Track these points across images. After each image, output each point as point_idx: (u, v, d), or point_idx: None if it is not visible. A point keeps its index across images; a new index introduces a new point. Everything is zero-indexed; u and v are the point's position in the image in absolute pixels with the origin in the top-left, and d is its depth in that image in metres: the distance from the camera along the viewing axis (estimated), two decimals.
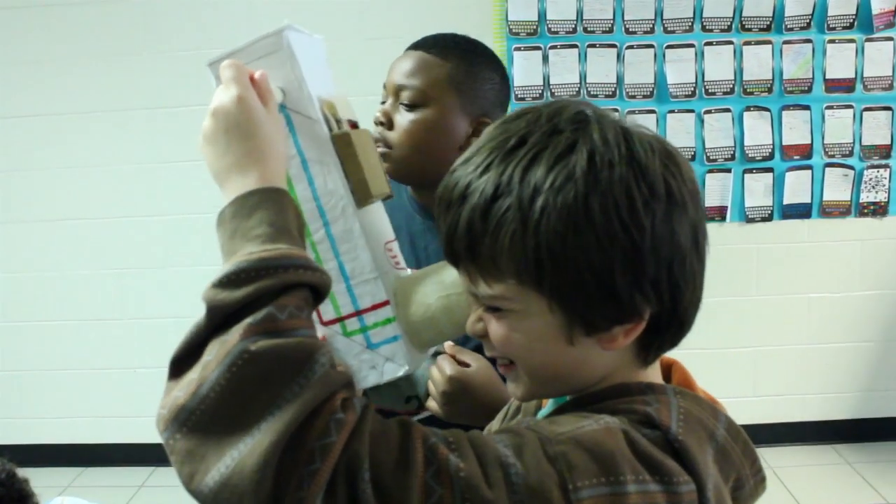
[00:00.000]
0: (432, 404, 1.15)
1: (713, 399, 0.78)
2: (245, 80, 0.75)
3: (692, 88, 3.14)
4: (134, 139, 3.23)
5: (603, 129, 0.68)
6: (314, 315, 0.88)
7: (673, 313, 0.69)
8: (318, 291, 0.68)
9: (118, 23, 3.17)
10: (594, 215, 0.64)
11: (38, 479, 1.32)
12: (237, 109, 0.73)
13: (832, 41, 3.12)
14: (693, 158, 3.18)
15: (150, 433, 0.92)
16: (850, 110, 3.16)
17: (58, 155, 3.27)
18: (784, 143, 3.18)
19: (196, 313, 0.64)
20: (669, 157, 0.69)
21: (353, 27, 3.12)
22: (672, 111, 3.16)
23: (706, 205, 3.20)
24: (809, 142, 3.18)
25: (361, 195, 0.85)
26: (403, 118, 1.28)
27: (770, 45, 3.12)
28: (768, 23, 3.10)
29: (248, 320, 0.61)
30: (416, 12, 3.12)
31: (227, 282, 0.62)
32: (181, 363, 0.63)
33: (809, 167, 3.20)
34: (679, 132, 3.17)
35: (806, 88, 3.15)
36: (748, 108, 3.16)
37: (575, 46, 3.11)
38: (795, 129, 3.17)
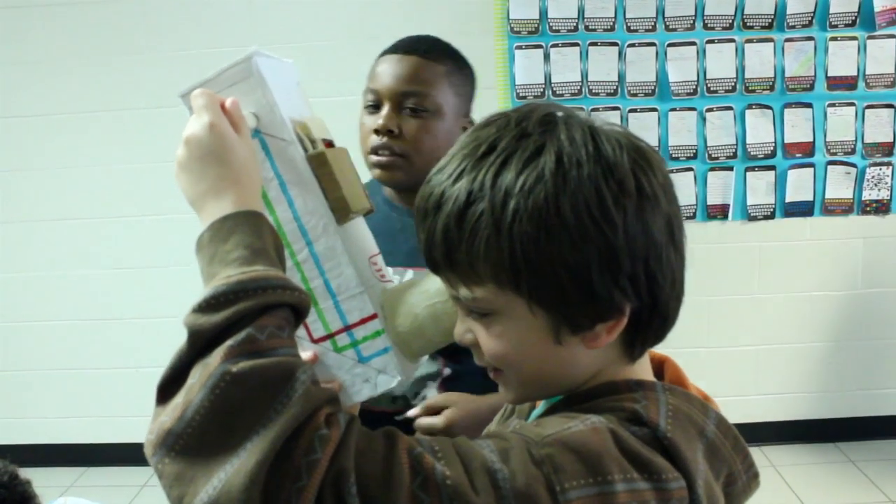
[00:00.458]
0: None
1: (705, 395, 0.78)
2: (216, 108, 0.76)
3: (694, 86, 3.14)
4: (134, 139, 3.23)
5: (570, 129, 0.68)
6: (304, 333, 0.89)
7: (654, 308, 0.69)
8: (298, 310, 0.69)
9: (118, 23, 3.17)
10: (565, 215, 0.64)
11: (40, 478, 1.33)
12: (209, 137, 0.74)
13: (834, 39, 3.11)
14: (695, 157, 3.18)
15: None
16: (853, 108, 3.16)
17: (58, 155, 3.27)
18: (786, 141, 3.17)
19: None
20: (639, 152, 0.69)
21: (355, 26, 3.12)
22: (674, 109, 3.15)
23: (708, 203, 3.20)
24: (811, 139, 3.17)
25: (341, 212, 0.87)
26: (413, 125, 1.26)
27: (772, 43, 3.11)
28: (770, 20, 3.10)
29: (228, 342, 0.62)
30: (418, 11, 3.12)
31: (206, 306, 0.64)
32: (167, 388, 0.64)
33: (811, 165, 3.19)
34: (681, 130, 3.16)
35: (808, 86, 3.14)
36: (750, 106, 3.15)
37: (576, 45, 3.11)
38: (797, 126, 3.17)
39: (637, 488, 0.63)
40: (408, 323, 0.89)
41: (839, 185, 3.21)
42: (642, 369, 0.76)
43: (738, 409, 3.19)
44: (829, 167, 3.19)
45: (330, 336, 0.90)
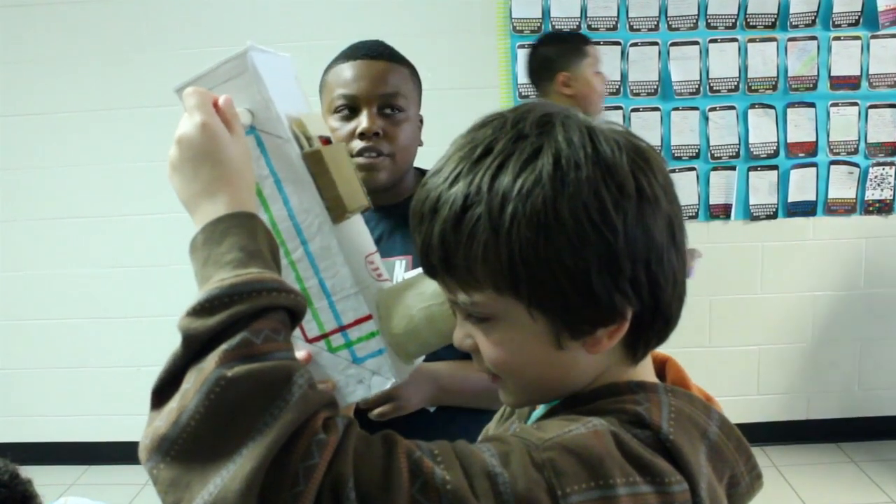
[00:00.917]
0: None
1: (708, 396, 0.77)
2: (208, 107, 0.75)
3: (696, 86, 3.13)
4: (134, 138, 3.24)
5: (568, 130, 0.66)
6: (299, 332, 0.88)
7: (656, 310, 0.68)
8: (294, 313, 0.68)
9: (118, 22, 3.17)
10: (564, 219, 0.63)
11: (41, 477, 1.32)
12: (201, 136, 0.73)
13: (837, 38, 3.10)
14: (697, 156, 3.17)
15: None
16: (856, 107, 3.15)
17: (58, 154, 3.28)
18: (789, 141, 3.17)
19: None
20: (638, 152, 0.68)
21: (357, 25, 3.11)
22: (676, 109, 3.15)
23: (710, 203, 3.20)
24: (814, 139, 3.17)
25: (337, 211, 0.86)
26: (394, 125, 1.31)
27: (775, 43, 3.11)
28: (773, 20, 3.09)
29: (223, 347, 0.61)
30: (421, 11, 3.12)
31: (200, 310, 0.63)
32: (162, 393, 0.63)
33: (814, 165, 3.19)
34: (683, 130, 3.16)
35: (811, 86, 3.13)
36: (753, 106, 3.15)
37: None
38: (800, 126, 3.16)
39: (639, 492, 0.62)
40: (403, 325, 0.88)
41: (842, 185, 3.20)
42: (644, 370, 0.75)
43: (740, 408, 3.19)
44: (832, 167, 3.19)
45: (324, 336, 0.89)
